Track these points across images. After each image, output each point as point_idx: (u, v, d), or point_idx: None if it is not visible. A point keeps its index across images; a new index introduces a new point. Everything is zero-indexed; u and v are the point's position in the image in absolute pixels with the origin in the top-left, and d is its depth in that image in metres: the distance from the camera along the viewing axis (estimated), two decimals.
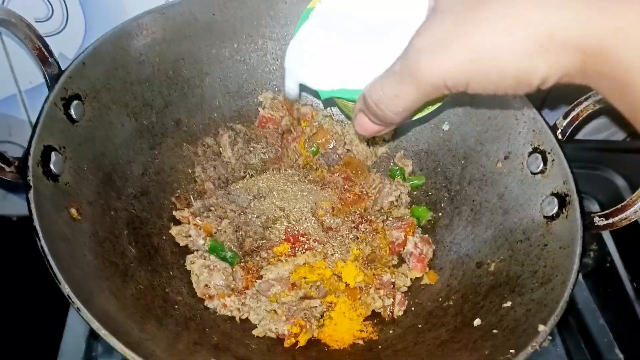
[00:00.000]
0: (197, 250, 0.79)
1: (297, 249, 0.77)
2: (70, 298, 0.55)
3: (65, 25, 0.90)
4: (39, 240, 0.57)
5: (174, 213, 0.82)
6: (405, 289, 0.81)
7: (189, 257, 0.78)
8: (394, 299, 0.78)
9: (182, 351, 0.66)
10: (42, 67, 0.70)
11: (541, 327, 0.62)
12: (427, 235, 0.86)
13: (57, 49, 0.77)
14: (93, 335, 0.80)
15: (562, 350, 0.88)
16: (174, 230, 0.80)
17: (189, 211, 0.81)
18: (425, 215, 0.88)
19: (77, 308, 0.55)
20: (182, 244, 0.80)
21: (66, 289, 0.55)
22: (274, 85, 0.94)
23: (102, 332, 0.54)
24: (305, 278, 0.75)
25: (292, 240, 0.77)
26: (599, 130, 1.18)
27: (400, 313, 0.78)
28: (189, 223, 0.80)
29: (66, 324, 0.81)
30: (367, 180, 0.91)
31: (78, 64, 0.73)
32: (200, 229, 0.79)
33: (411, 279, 0.82)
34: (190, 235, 0.79)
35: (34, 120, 0.65)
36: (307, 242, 0.77)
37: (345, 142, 0.93)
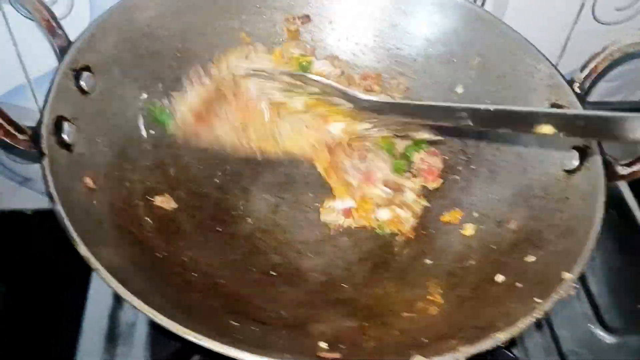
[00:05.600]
0: None
1: None
2: (88, 259, 0.55)
3: (71, 10, 0.90)
4: (55, 204, 0.57)
5: None
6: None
7: None
8: None
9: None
10: (50, 39, 0.70)
11: (566, 275, 0.61)
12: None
13: None
14: (115, 311, 0.80)
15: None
16: None
17: None
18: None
19: (97, 269, 0.54)
20: None
21: (84, 250, 0.55)
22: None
23: (121, 291, 0.54)
24: None
25: None
26: (616, 92, 1.16)
27: None
28: None
29: (84, 316, 0.80)
30: None
31: (87, 35, 0.73)
32: None
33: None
34: None
35: None
36: None
37: None
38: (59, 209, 0.57)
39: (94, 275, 0.55)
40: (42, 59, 0.93)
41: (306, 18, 0.90)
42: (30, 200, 0.98)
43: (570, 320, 0.84)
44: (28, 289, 0.85)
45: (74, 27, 0.73)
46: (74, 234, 0.55)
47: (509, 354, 0.77)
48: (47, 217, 0.58)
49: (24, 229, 0.92)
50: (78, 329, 0.77)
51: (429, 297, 0.74)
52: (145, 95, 0.81)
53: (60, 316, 0.81)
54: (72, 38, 0.73)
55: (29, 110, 1.02)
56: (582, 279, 0.89)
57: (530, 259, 0.70)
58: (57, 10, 0.87)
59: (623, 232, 0.94)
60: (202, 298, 0.70)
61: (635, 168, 0.69)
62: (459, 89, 0.90)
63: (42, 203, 0.59)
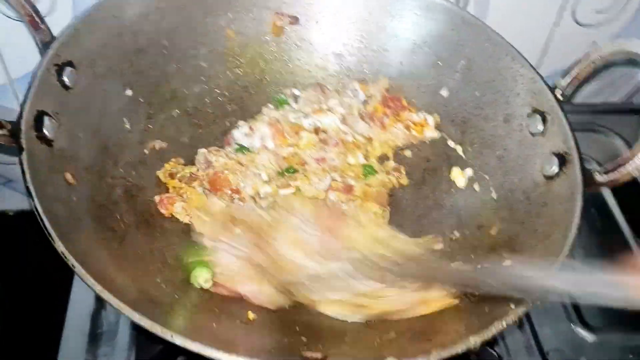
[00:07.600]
0: None
1: None
2: (64, 255, 0.55)
3: (53, 8, 0.88)
4: (32, 200, 0.57)
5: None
6: None
7: None
8: None
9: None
10: (34, 34, 0.70)
11: None
12: None
13: None
14: (98, 311, 0.79)
15: None
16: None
17: None
18: None
19: (72, 265, 0.54)
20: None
21: (60, 246, 0.55)
22: None
23: (98, 289, 0.54)
24: None
25: None
26: (596, 93, 1.17)
27: None
28: None
29: (66, 316, 0.79)
30: None
31: (71, 30, 0.72)
32: None
33: None
34: None
35: None
36: None
37: None
38: (36, 203, 0.57)
39: (76, 276, 0.55)
40: (24, 59, 0.92)
41: (294, 19, 0.90)
42: (13, 201, 0.97)
43: (551, 318, 0.84)
44: (10, 289, 0.84)
45: (57, 25, 0.72)
46: (51, 230, 0.55)
47: (492, 352, 0.78)
48: (29, 218, 0.58)
49: (6, 230, 0.91)
50: (60, 329, 0.77)
51: None
52: (129, 92, 0.81)
53: (42, 317, 0.81)
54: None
55: (10, 110, 1.00)
56: None
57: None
58: (40, 9, 0.87)
59: (603, 230, 0.95)
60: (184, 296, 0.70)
61: (613, 176, 0.69)
62: (444, 92, 0.90)
63: (25, 204, 0.58)
